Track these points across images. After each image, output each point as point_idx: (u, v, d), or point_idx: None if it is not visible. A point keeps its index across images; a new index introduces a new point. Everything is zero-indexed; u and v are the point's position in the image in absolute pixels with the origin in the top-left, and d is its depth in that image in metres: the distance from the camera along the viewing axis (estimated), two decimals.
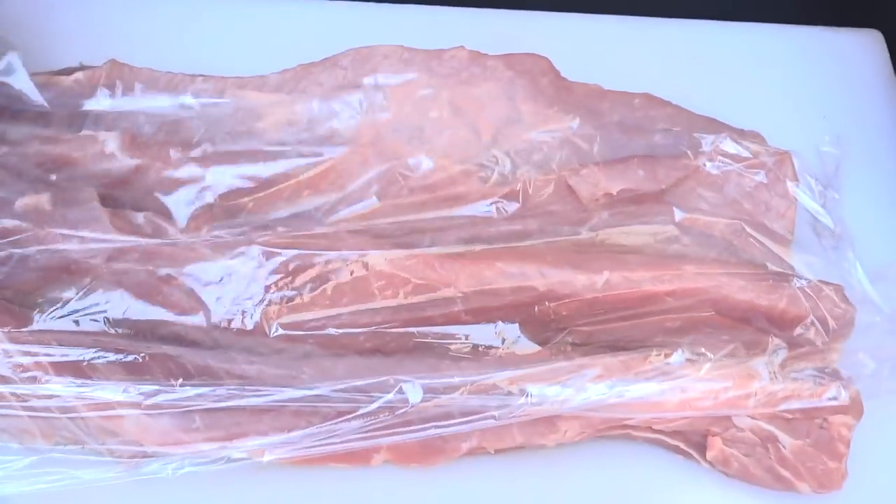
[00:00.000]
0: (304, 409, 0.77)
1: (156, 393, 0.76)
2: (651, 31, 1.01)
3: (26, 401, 0.76)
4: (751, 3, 1.04)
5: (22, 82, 0.86)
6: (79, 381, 0.76)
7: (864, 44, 1.01)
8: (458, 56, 0.90)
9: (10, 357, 0.76)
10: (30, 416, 0.76)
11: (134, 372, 0.77)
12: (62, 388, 0.76)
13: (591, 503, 0.80)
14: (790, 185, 0.86)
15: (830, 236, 0.86)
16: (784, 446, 0.78)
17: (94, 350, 0.77)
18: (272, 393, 0.76)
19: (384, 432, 0.76)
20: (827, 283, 0.82)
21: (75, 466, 0.76)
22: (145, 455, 0.78)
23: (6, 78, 0.86)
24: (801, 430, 0.79)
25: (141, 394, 0.76)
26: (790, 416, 0.79)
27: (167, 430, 0.76)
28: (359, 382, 0.76)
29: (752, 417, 0.79)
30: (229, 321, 0.80)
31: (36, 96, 0.86)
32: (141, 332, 0.80)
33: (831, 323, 0.81)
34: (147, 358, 0.78)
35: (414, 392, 0.76)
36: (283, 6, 1.00)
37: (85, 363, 0.77)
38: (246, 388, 0.76)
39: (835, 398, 0.78)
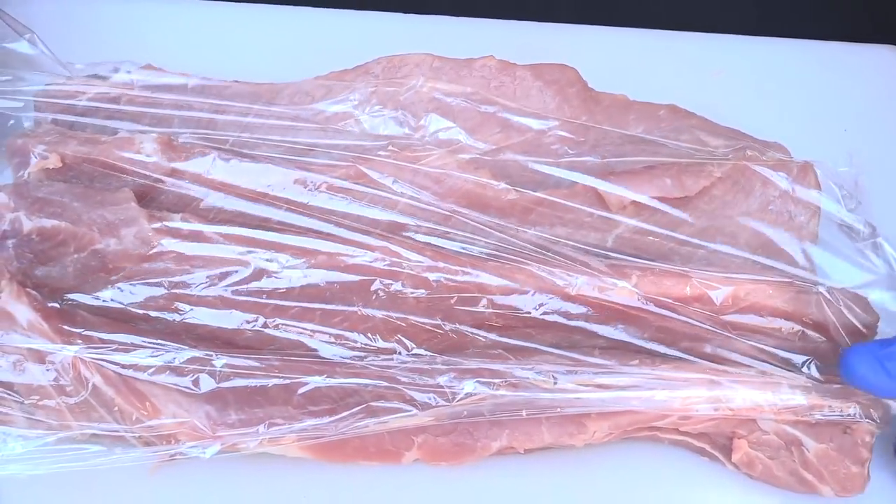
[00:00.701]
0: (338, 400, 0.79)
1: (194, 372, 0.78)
2: (676, 45, 1.02)
3: (64, 391, 0.77)
4: (774, 19, 1.06)
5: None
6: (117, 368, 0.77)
7: (882, 59, 1.03)
8: (488, 65, 0.92)
9: (51, 348, 0.77)
10: (66, 407, 0.77)
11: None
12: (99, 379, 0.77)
13: (616, 503, 0.81)
14: (814, 193, 0.87)
15: (860, 237, 0.87)
16: (808, 450, 0.79)
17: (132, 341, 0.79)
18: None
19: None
20: (850, 292, 0.83)
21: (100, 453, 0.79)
22: (178, 448, 0.79)
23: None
24: (824, 435, 0.80)
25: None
26: (814, 421, 0.80)
27: (201, 420, 0.77)
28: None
29: (777, 421, 0.80)
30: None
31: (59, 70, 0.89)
32: (175, 332, 0.81)
33: (855, 329, 0.81)
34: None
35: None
36: (313, 16, 1.01)
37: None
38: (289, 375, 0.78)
39: (854, 417, 0.79)
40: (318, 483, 0.82)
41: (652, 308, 0.81)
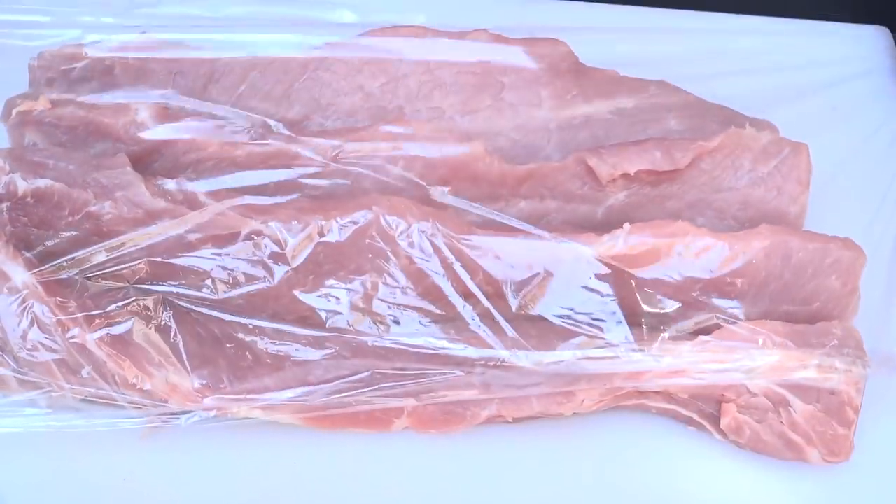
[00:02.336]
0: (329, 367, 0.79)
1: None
2: (667, 22, 1.03)
3: (56, 352, 0.78)
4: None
5: None
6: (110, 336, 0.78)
7: (872, 39, 1.04)
8: (480, 38, 0.92)
9: (45, 310, 0.77)
10: (58, 367, 0.78)
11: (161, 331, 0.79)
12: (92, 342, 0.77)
13: (603, 472, 0.82)
14: (804, 172, 0.87)
15: None
16: (795, 411, 0.80)
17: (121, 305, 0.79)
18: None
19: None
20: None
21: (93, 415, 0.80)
22: (170, 412, 0.79)
23: None
24: (811, 395, 0.80)
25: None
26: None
27: (195, 387, 0.78)
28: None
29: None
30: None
31: None
32: (169, 296, 0.82)
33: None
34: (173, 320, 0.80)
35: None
36: None
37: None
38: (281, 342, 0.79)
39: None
40: (308, 449, 0.82)
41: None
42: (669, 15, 1.04)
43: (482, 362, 0.80)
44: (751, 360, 0.79)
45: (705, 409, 0.82)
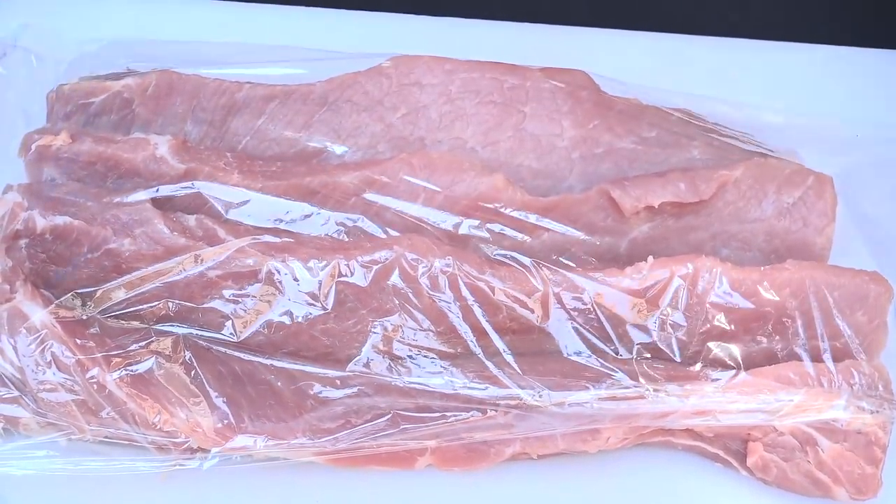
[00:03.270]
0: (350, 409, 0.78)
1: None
2: (688, 49, 1.02)
3: (76, 392, 0.77)
4: (786, 24, 1.06)
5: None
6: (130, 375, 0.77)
7: (893, 64, 1.03)
8: (500, 68, 0.91)
9: (64, 350, 0.77)
10: (77, 407, 0.78)
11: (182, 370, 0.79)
12: (113, 382, 0.77)
13: None
14: (829, 204, 0.86)
15: None
16: (822, 450, 0.79)
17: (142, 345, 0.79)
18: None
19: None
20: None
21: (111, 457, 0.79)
22: (190, 449, 0.79)
23: None
24: (838, 434, 0.79)
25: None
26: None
27: (216, 427, 0.77)
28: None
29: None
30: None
31: None
32: (189, 335, 0.81)
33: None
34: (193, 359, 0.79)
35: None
36: (326, 17, 1.01)
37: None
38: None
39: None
40: (329, 490, 0.82)
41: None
42: (691, 41, 1.02)
43: (504, 401, 0.79)
44: (776, 400, 0.78)
45: (731, 447, 0.82)
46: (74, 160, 0.85)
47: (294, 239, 0.82)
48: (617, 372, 0.79)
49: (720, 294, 0.81)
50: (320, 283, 0.80)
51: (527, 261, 0.82)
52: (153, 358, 0.79)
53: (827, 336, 0.81)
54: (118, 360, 0.78)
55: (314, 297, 0.80)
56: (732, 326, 0.81)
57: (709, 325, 0.81)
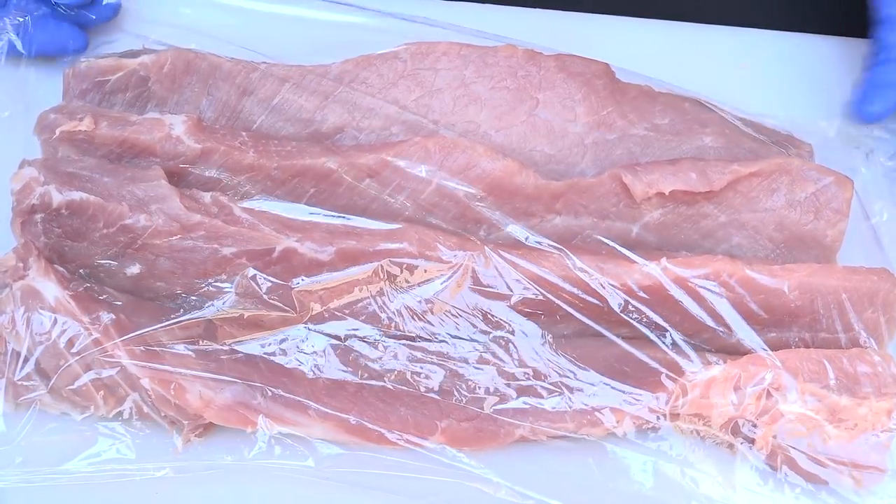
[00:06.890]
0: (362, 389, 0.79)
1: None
2: (701, 37, 1.02)
3: (90, 368, 0.77)
4: (799, 14, 1.06)
5: None
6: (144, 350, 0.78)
7: None
8: (515, 54, 0.92)
9: (78, 326, 0.77)
10: (92, 384, 0.78)
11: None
12: (126, 357, 0.77)
13: (636, 491, 0.82)
14: (844, 203, 0.87)
15: None
16: (829, 437, 0.79)
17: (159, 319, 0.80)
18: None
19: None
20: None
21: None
22: (204, 426, 0.79)
23: None
24: (845, 421, 0.80)
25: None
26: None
27: (228, 403, 0.78)
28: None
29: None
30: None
31: None
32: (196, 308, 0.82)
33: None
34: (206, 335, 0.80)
35: None
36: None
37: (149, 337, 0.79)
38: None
39: None
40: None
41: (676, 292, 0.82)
42: (704, 30, 1.03)
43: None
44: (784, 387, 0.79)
45: (739, 432, 0.82)
46: (90, 141, 0.85)
47: (308, 219, 0.83)
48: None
49: (731, 291, 0.83)
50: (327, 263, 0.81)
51: (544, 243, 0.82)
52: (167, 334, 0.79)
53: (837, 331, 0.83)
54: (132, 336, 0.78)
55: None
56: (743, 320, 0.83)
57: (718, 319, 0.83)
